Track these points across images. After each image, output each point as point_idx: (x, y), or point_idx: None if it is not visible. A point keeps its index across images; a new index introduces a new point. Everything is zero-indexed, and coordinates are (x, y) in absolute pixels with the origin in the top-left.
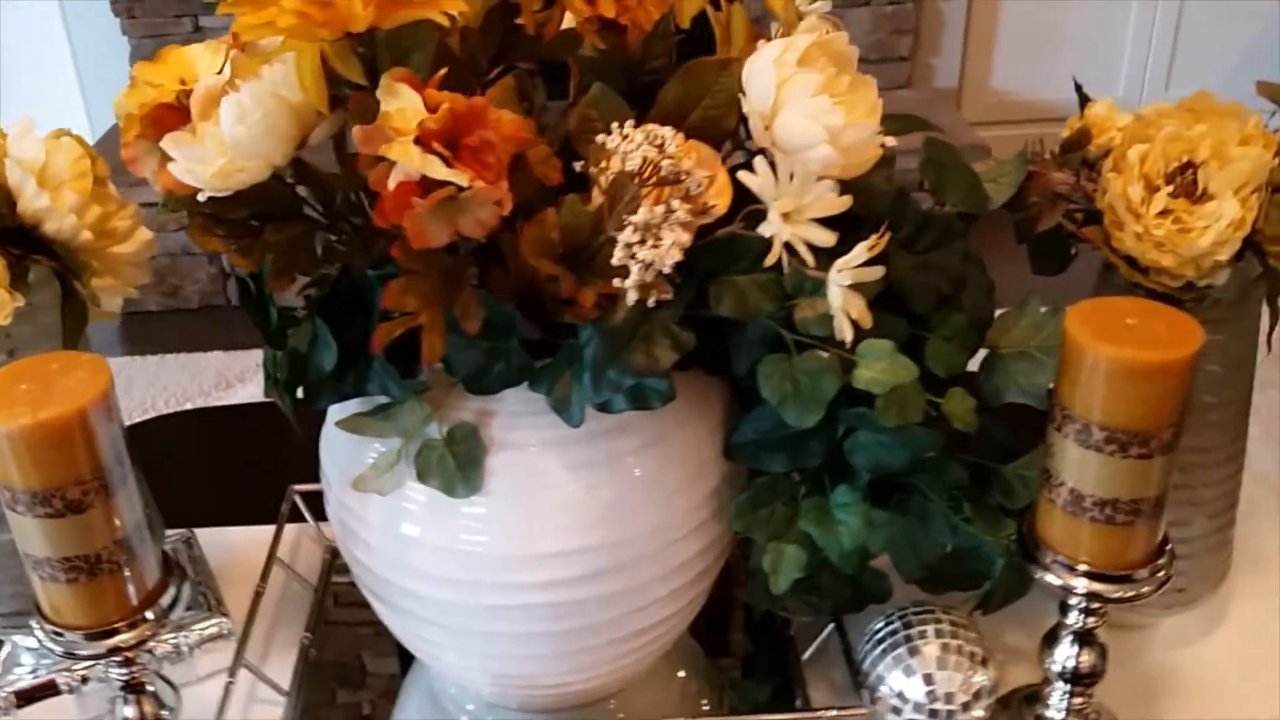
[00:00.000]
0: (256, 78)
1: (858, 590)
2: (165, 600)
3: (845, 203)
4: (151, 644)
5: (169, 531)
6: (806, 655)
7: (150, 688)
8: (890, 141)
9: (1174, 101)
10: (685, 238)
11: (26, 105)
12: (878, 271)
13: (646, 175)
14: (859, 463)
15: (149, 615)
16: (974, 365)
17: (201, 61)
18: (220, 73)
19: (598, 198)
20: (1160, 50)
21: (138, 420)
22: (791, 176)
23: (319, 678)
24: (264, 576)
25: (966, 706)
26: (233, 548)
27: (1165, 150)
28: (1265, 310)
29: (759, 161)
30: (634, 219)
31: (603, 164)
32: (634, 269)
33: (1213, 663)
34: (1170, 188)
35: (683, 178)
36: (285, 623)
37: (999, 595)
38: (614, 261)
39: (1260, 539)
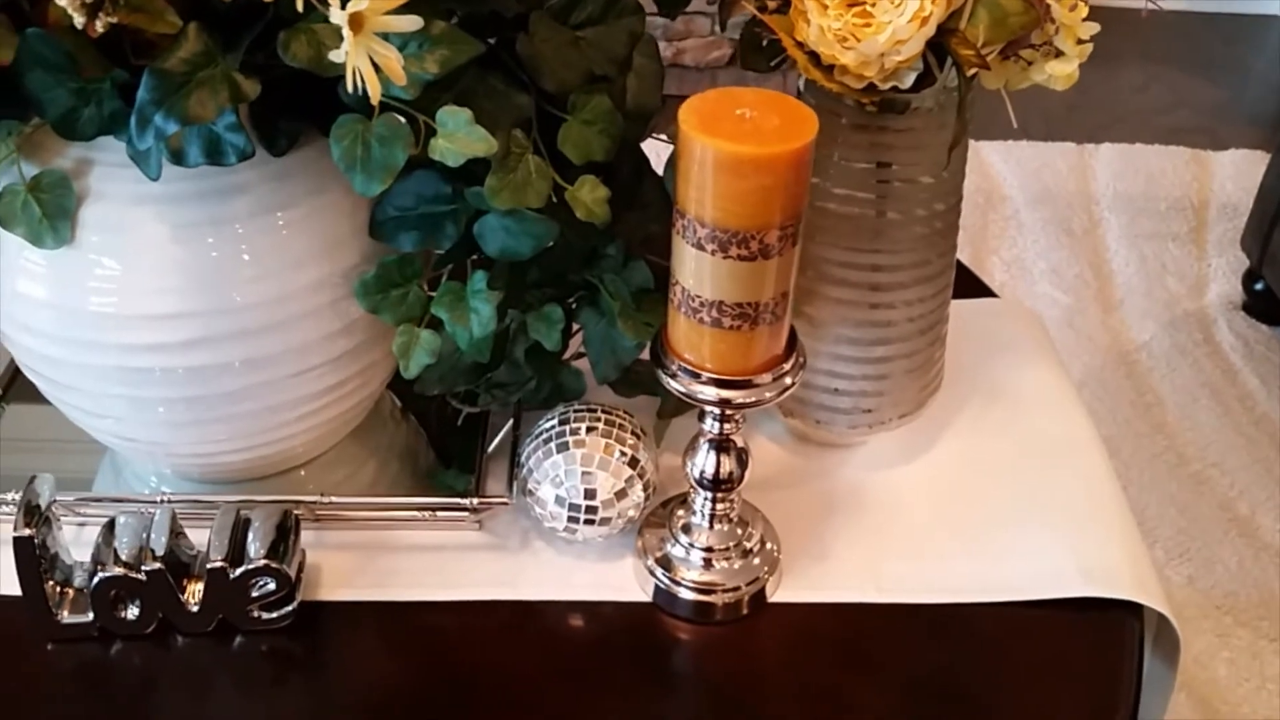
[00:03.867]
0: None
1: (554, 387)
2: None
3: None
4: None
5: None
6: (491, 448)
7: None
8: None
9: None
10: None
11: None
12: (412, 21)
13: None
14: (488, 248)
15: None
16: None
17: None
18: None
19: None
20: None
21: None
22: None
23: (19, 441)
24: None
25: (609, 504)
26: None
27: None
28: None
29: None
30: None
31: None
32: None
33: (898, 487)
34: None
35: None
36: None
37: (672, 402)
38: None
39: (998, 372)
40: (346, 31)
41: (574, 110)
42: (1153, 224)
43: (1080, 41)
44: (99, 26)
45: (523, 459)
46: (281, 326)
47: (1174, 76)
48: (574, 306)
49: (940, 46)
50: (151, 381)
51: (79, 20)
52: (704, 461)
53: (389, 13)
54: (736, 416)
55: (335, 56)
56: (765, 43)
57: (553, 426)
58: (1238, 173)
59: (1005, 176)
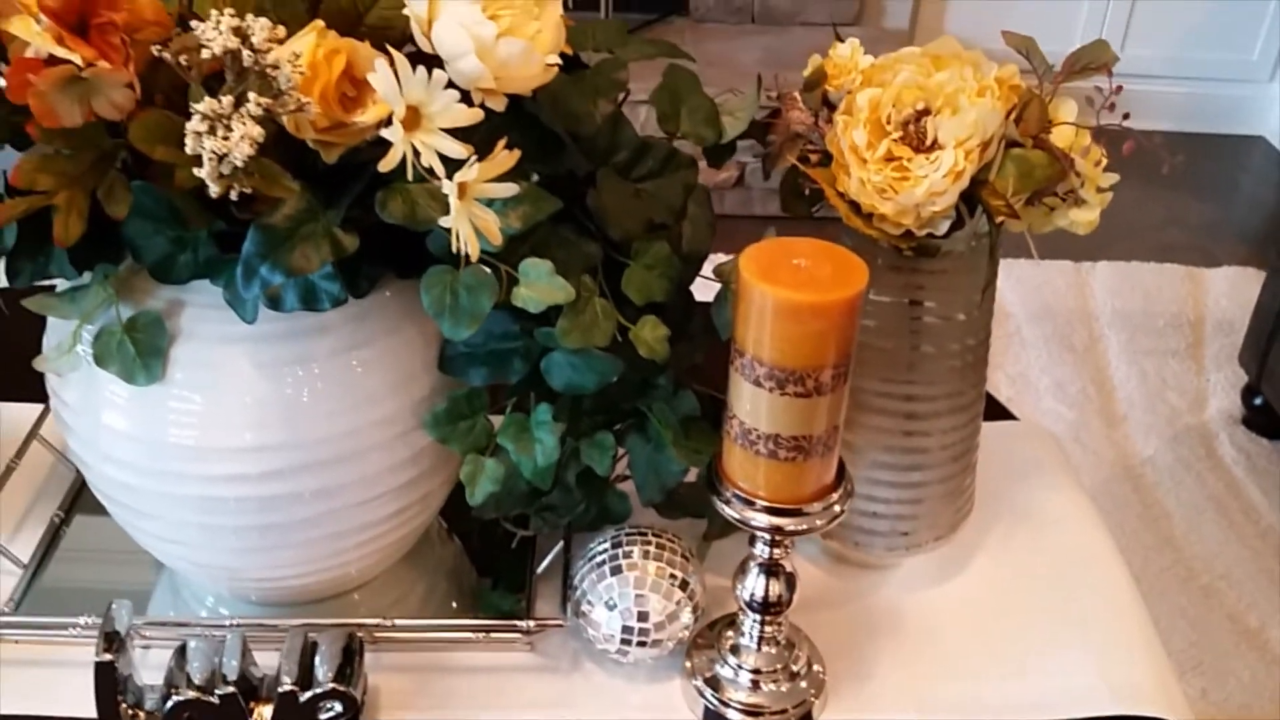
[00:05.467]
0: None
1: (600, 510)
2: None
3: (474, 115)
4: None
5: None
6: (540, 570)
7: None
8: (554, 62)
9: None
10: (256, 131)
11: None
12: (508, 188)
13: (238, 68)
14: (554, 382)
15: None
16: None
17: None
18: None
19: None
20: (1118, 8)
21: None
22: (445, 83)
23: (78, 558)
24: (19, 452)
25: (661, 626)
26: (11, 423)
27: (899, 96)
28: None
29: (380, 64)
30: (198, 107)
31: (183, 53)
32: (205, 159)
33: (936, 609)
34: (899, 134)
35: (269, 72)
36: (47, 500)
37: (718, 524)
38: (187, 150)
39: (1022, 493)
40: (453, 200)
41: (636, 256)
42: (1151, 340)
43: (1101, 190)
44: (233, 195)
45: (575, 581)
46: (353, 458)
47: (1166, 195)
48: (618, 431)
49: (971, 195)
50: (226, 510)
51: (215, 189)
52: (754, 585)
53: (489, 180)
54: (786, 542)
55: (445, 222)
56: (807, 191)
57: (605, 549)
58: (1231, 289)
59: (1006, 294)
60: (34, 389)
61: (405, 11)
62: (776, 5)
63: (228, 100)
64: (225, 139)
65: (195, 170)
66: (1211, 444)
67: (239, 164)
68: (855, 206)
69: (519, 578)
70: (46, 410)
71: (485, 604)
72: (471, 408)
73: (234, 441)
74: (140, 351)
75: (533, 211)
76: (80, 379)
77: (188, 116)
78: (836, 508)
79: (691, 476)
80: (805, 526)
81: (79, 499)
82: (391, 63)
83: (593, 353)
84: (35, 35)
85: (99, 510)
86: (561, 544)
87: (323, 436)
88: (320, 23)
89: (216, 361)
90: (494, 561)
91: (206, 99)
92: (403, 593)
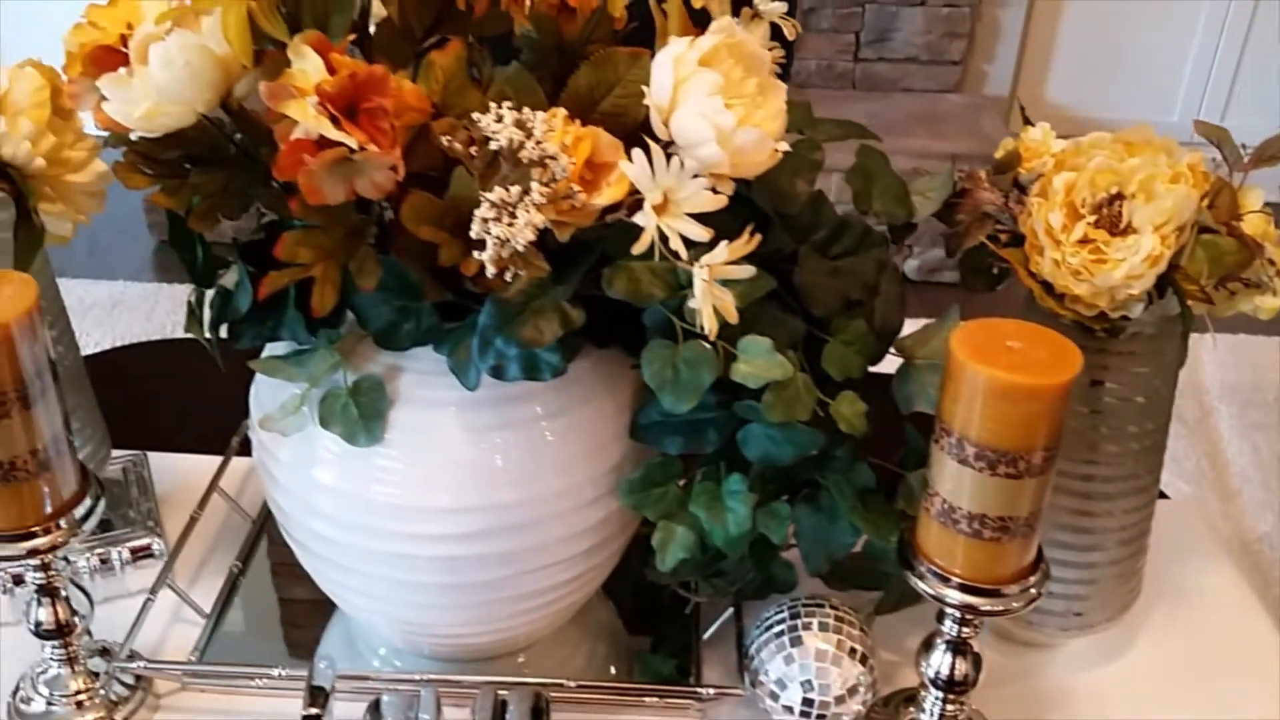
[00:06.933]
0: (195, 29)
1: (765, 578)
2: (79, 511)
3: (719, 201)
4: (67, 550)
5: (120, 452)
6: (706, 636)
7: (63, 593)
8: (783, 147)
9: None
10: (539, 218)
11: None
12: (747, 270)
13: (513, 156)
14: (749, 453)
15: (62, 523)
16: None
17: (149, 9)
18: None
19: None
20: (1220, 79)
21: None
22: (682, 169)
23: (251, 608)
24: (201, 503)
25: (840, 700)
26: (186, 474)
27: (1093, 180)
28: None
29: (636, 153)
30: (489, 196)
31: (465, 142)
32: (489, 243)
33: (1105, 690)
34: (1094, 217)
35: (547, 162)
36: (223, 550)
37: (892, 598)
38: (471, 234)
39: (1180, 572)
40: (699, 280)
41: (836, 333)
42: (1261, 414)
43: None
44: (507, 277)
45: (751, 650)
46: (542, 523)
47: None
48: (787, 501)
49: (1160, 278)
50: (420, 567)
51: (491, 271)
52: (939, 662)
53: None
54: (976, 621)
55: (692, 303)
56: (996, 270)
57: (782, 619)
58: None
59: None
60: (209, 442)
61: (645, 101)
62: (877, 72)
63: (516, 189)
64: (510, 225)
65: (476, 253)
66: None
67: (520, 248)
68: (1048, 287)
69: (678, 643)
70: (225, 463)
71: (644, 668)
72: (665, 475)
73: (434, 502)
74: (363, 414)
75: (750, 290)
76: (295, 437)
77: (439, 197)
78: (1034, 590)
79: (856, 548)
80: (1001, 608)
81: (254, 549)
82: (646, 152)
83: (794, 426)
84: (312, 118)
85: (275, 561)
86: (731, 611)
87: (516, 501)
88: (563, 111)
89: (424, 425)
90: (649, 626)
91: (498, 189)
92: (566, 654)
